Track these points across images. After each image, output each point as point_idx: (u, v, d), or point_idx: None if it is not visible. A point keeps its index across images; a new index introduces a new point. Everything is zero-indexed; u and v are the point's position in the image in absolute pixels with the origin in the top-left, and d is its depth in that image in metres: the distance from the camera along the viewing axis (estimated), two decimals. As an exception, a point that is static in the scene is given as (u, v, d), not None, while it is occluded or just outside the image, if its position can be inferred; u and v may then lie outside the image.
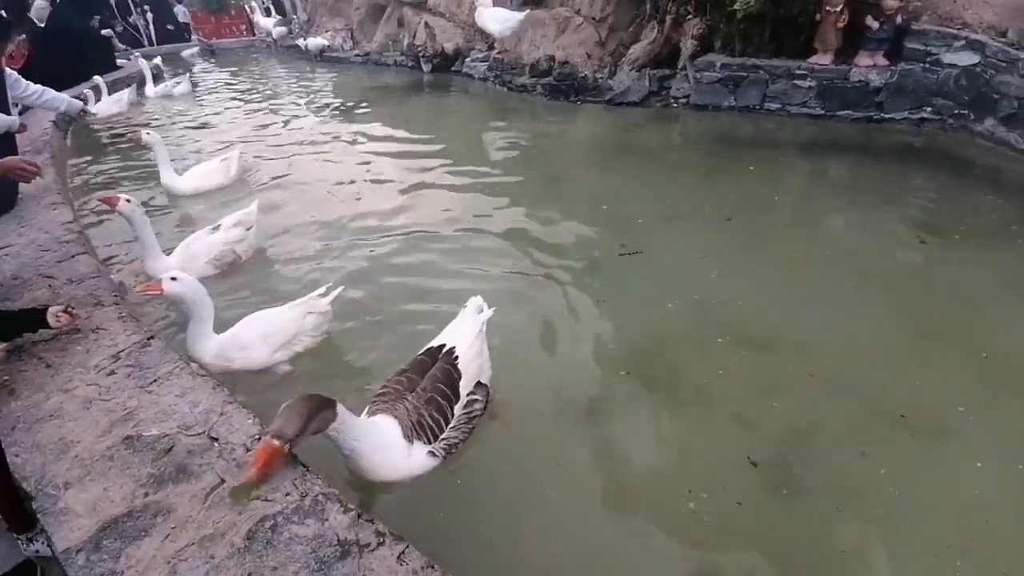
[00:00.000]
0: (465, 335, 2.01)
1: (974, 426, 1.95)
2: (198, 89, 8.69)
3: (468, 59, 8.38)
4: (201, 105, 7.72)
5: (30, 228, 3.14)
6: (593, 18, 6.62)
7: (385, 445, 1.64)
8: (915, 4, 4.87)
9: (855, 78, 4.79)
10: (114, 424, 1.63)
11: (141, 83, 8.31)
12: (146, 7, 12.89)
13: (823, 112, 4.98)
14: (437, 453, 1.74)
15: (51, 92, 4.32)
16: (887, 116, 4.78)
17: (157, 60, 8.71)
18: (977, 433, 1.92)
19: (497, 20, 6.98)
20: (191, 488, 1.38)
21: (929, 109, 4.71)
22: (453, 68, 8.63)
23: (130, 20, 12.63)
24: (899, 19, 4.72)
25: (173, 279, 2.08)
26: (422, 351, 1.99)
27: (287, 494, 1.35)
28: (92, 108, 5.51)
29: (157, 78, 8.43)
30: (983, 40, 4.40)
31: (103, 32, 9.12)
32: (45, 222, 3.22)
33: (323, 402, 1.45)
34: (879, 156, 4.40)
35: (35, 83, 4.25)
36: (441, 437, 1.76)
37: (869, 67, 4.74)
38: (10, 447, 1.56)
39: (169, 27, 13.43)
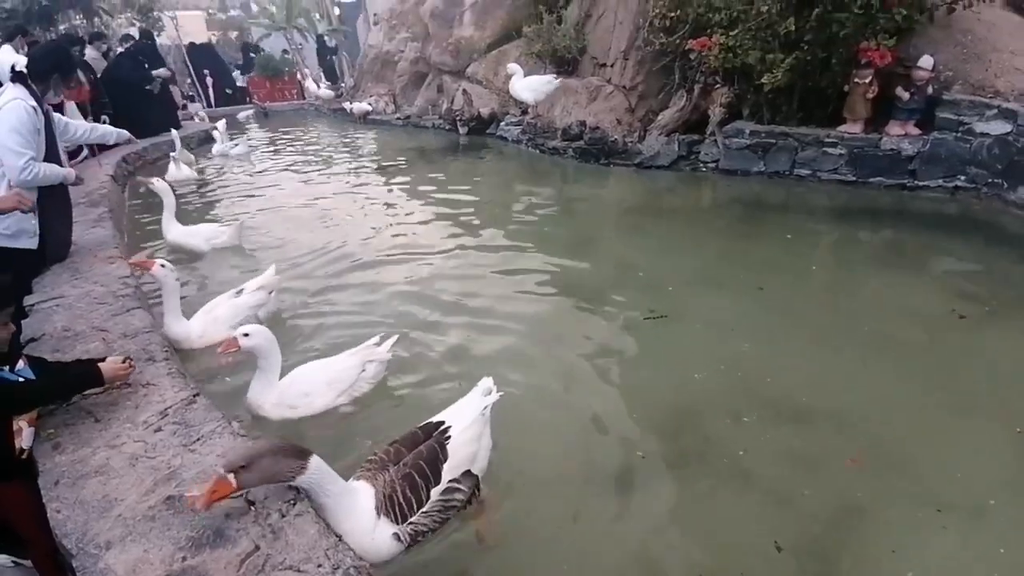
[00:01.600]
0: (465, 415, 1.94)
1: (1008, 516, 1.84)
2: (254, 149, 9.33)
3: (503, 123, 8.77)
4: (253, 164, 8.27)
5: (85, 280, 3.29)
6: (623, 87, 6.91)
7: (355, 511, 1.60)
8: (946, 74, 4.91)
9: (887, 146, 4.81)
10: (158, 483, 1.68)
11: (206, 142, 8.98)
12: (206, 72, 14.11)
13: (855, 179, 4.99)
14: (402, 538, 1.63)
15: (100, 127, 4.31)
16: (920, 184, 4.75)
17: (222, 122, 9.40)
18: (1010, 523, 1.81)
19: (531, 89, 7.36)
20: (227, 554, 1.41)
21: (963, 178, 4.67)
22: (488, 131, 9.04)
23: (188, 83, 13.83)
24: (930, 89, 4.77)
25: (246, 335, 2.24)
26: (420, 424, 1.93)
27: (319, 565, 1.36)
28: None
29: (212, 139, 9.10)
30: (1016, 109, 4.41)
31: (167, 85, 9.89)
32: (101, 275, 3.38)
33: (291, 449, 1.45)
34: (914, 224, 4.36)
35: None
36: (410, 520, 1.66)
37: (901, 136, 4.77)
38: (52, 502, 1.61)
39: (228, 91, 14.54)
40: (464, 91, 9.62)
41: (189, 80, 14.77)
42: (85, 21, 12.70)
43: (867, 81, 4.77)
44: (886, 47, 4.60)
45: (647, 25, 6.26)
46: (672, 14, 5.92)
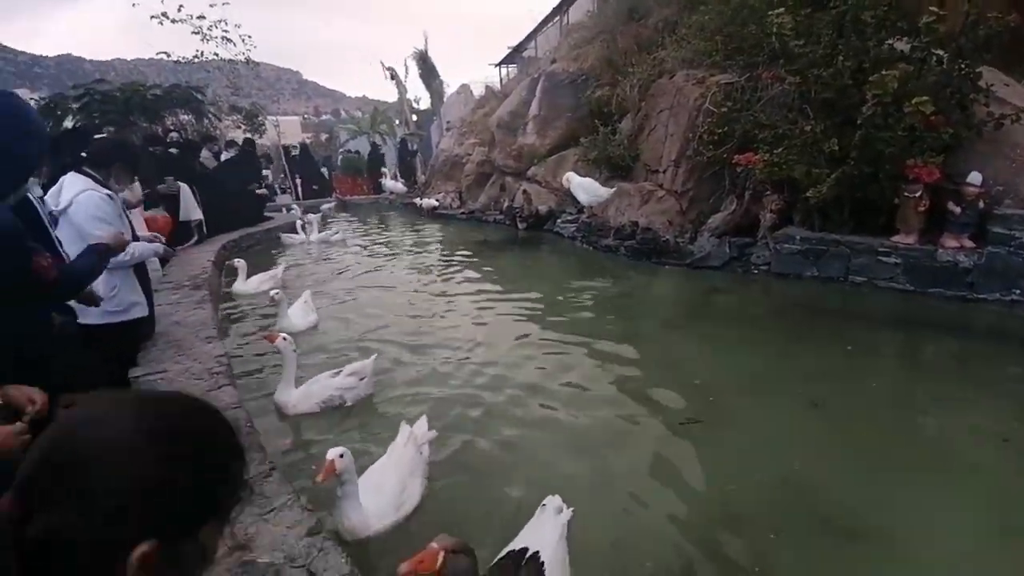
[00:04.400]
0: (548, 539, 1.95)
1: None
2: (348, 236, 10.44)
3: (559, 220, 9.32)
4: (348, 247, 9.31)
5: (186, 357, 3.75)
6: (675, 191, 7.29)
7: None
8: (997, 188, 4.92)
9: (943, 258, 4.80)
10: (234, 549, 1.91)
11: (292, 230, 10.11)
12: (296, 172, 16.05)
13: (913, 288, 4.94)
14: None
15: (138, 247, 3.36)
16: (980, 296, 4.65)
17: (319, 215, 10.65)
18: None
19: (587, 191, 7.90)
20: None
21: (1019, 291, 4.53)
22: (545, 227, 9.60)
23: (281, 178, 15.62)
24: (981, 204, 4.78)
25: (341, 456, 2.21)
26: (502, 554, 1.93)
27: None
28: (239, 284, 6.24)
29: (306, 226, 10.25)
30: None
31: (259, 191, 11.26)
32: (200, 353, 3.85)
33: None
34: (974, 339, 4.22)
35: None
36: None
37: (956, 248, 4.76)
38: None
39: (315, 187, 16.32)
40: (524, 191, 10.37)
41: (283, 175, 16.74)
42: (194, 119, 13.46)
43: (917, 195, 4.86)
44: (933, 164, 4.73)
45: (696, 139, 6.72)
46: (720, 130, 6.36)
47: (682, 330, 4.92)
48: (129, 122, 11.13)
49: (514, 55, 19.38)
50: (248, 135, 14.78)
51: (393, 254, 8.74)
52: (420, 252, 8.88)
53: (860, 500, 2.51)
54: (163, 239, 3.90)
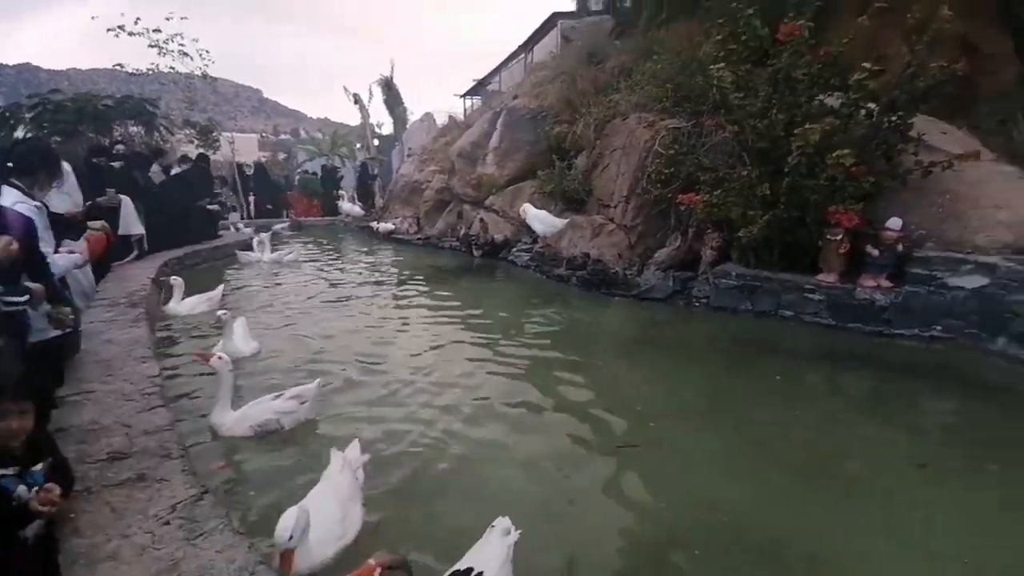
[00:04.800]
0: (493, 560, 2.00)
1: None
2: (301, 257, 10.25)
3: (514, 248, 9.50)
4: (302, 269, 9.11)
5: (116, 377, 3.61)
6: (625, 225, 7.61)
7: None
8: (919, 232, 5.30)
9: (861, 296, 5.19)
10: (160, 573, 1.86)
11: (243, 250, 9.86)
12: (249, 190, 15.79)
13: (835, 323, 5.31)
14: None
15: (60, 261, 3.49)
16: (896, 332, 5.04)
17: (268, 234, 10.42)
18: None
19: (542, 222, 8.15)
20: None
21: (939, 328, 4.90)
22: (500, 255, 9.76)
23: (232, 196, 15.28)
24: (900, 247, 5.21)
25: (291, 537, 2.00)
26: (448, 573, 1.98)
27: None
28: (173, 304, 5.98)
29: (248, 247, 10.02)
30: (995, 262, 4.66)
31: (210, 207, 10.99)
32: (132, 373, 3.71)
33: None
34: (892, 371, 4.54)
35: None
36: None
37: (873, 287, 5.17)
38: (70, 582, 1.80)
39: (269, 206, 16.03)
40: (482, 219, 10.54)
41: (233, 193, 16.36)
42: (144, 132, 13.27)
43: (838, 238, 5.28)
44: (853, 211, 5.16)
45: (645, 177, 7.08)
46: (667, 170, 6.73)
47: (627, 358, 5.10)
48: (78, 132, 10.82)
49: (479, 88, 19.89)
50: (201, 150, 14.45)
51: (347, 277, 8.65)
52: (375, 275, 8.84)
53: (784, 522, 2.66)
54: (85, 253, 3.81)
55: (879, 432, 3.59)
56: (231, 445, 3.26)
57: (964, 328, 4.81)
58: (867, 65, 5.19)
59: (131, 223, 7.78)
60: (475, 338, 5.38)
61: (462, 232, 11.04)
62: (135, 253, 8.01)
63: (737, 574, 2.34)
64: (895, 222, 5.21)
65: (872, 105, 5.39)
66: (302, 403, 3.44)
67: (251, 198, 15.95)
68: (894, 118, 5.30)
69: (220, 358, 3.31)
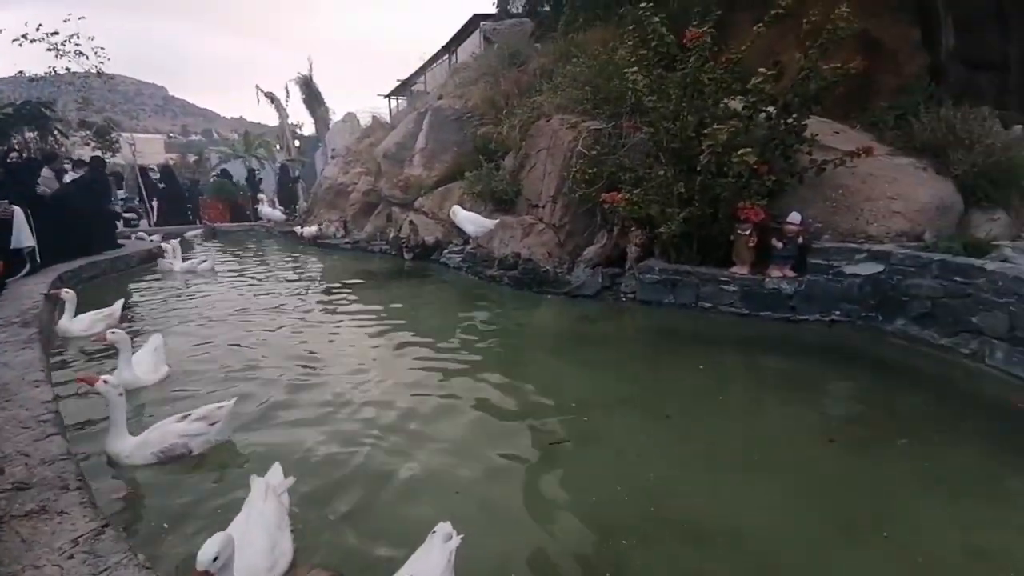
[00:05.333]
0: (434, 566, 1.99)
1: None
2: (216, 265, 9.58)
3: (446, 251, 9.45)
4: (219, 279, 8.52)
5: (12, 404, 3.27)
6: (553, 224, 7.77)
7: None
8: (816, 225, 5.85)
9: (769, 286, 5.60)
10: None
11: (147, 260, 9.13)
12: (153, 195, 14.78)
13: (748, 312, 5.70)
14: None
15: None
16: (801, 317, 5.49)
17: (176, 241, 9.68)
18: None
19: (473, 223, 8.16)
20: None
21: (838, 312, 5.37)
22: (432, 257, 9.67)
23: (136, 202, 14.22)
24: (800, 239, 5.68)
25: (215, 559, 1.78)
26: None
27: None
28: (65, 321, 5.31)
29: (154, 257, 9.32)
30: (888, 250, 5.12)
31: (126, 214, 10.18)
32: (27, 399, 3.37)
33: None
34: (800, 355, 4.93)
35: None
36: None
37: (780, 277, 5.60)
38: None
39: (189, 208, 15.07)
40: (411, 221, 10.40)
41: (137, 199, 15.16)
42: (38, 138, 12.92)
43: (747, 233, 5.67)
44: (759, 206, 5.57)
45: (571, 177, 7.26)
46: (590, 170, 6.94)
47: (559, 355, 5.21)
48: None
49: (403, 88, 19.57)
50: (97, 153, 13.28)
51: (270, 286, 8.23)
52: (301, 283, 8.46)
53: (709, 503, 2.81)
54: None
55: (791, 410, 3.88)
56: (136, 473, 3.00)
57: (861, 312, 5.28)
58: (763, 70, 5.60)
59: (22, 235, 7.01)
60: (407, 342, 5.30)
61: (392, 235, 10.83)
62: (27, 268, 7.22)
63: (669, 557, 2.45)
64: (795, 216, 5.66)
65: (771, 108, 5.83)
66: (211, 424, 3.16)
67: (155, 203, 14.81)
68: (789, 120, 5.76)
69: (105, 381, 3.00)
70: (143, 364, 4.19)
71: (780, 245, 5.63)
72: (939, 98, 6.30)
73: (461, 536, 2.17)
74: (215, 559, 1.78)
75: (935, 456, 3.23)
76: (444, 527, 2.18)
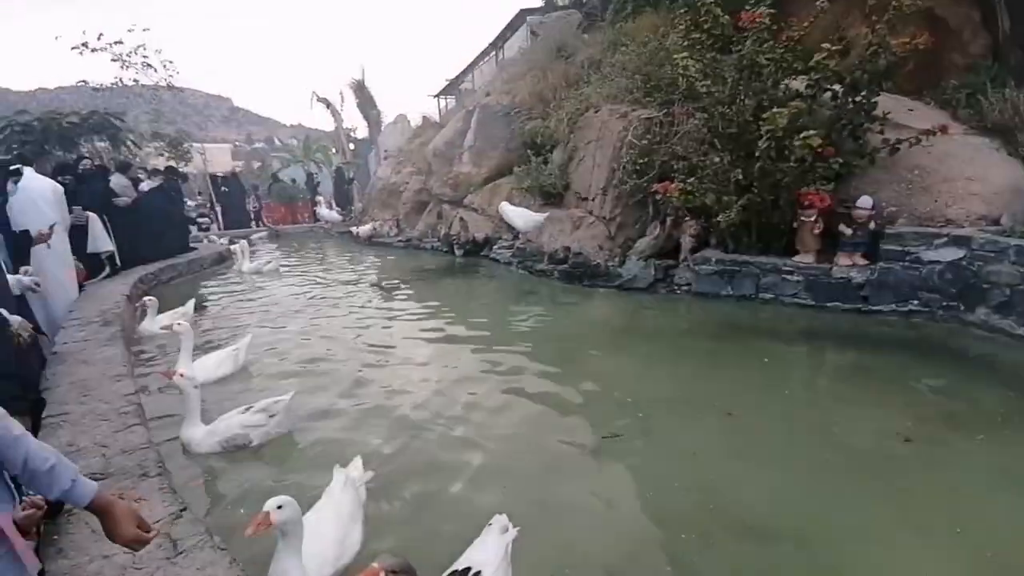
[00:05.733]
0: (491, 558, 2.00)
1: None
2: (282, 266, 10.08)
3: (496, 246, 9.48)
4: (283, 278, 8.95)
5: (91, 398, 3.52)
6: (604, 217, 7.63)
7: None
8: (890, 209, 5.42)
9: (837, 275, 5.27)
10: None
11: (219, 262, 9.68)
12: (219, 201, 15.69)
13: (813, 303, 5.39)
14: None
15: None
16: (874, 308, 5.12)
17: (244, 242, 10.24)
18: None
19: (522, 217, 8.15)
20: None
21: (916, 302, 4.98)
22: (482, 253, 9.73)
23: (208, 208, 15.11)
24: (872, 225, 5.30)
25: (279, 507, 1.94)
26: (447, 573, 1.98)
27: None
28: (147, 323, 5.69)
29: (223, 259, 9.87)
30: (968, 234, 4.73)
31: (200, 219, 10.84)
32: (108, 392, 3.62)
33: None
34: (873, 348, 4.62)
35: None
36: None
37: (849, 266, 5.25)
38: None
39: (239, 218, 15.91)
40: (461, 218, 10.50)
41: (208, 205, 16.12)
42: (111, 147, 13.33)
43: (812, 219, 5.35)
44: (824, 191, 5.24)
45: (621, 168, 7.10)
46: (641, 160, 6.76)
47: (614, 350, 5.10)
48: (44, 152, 10.69)
49: (451, 87, 19.78)
50: (171, 163, 14.20)
51: (330, 284, 8.55)
52: (358, 281, 8.74)
53: (773, 502, 2.68)
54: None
55: (863, 409, 3.62)
56: (213, 461, 3.19)
57: (941, 301, 4.88)
58: (827, 45, 5.26)
59: (99, 240, 7.59)
60: (462, 338, 5.36)
61: (443, 232, 10.98)
62: (107, 271, 7.82)
63: (730, 555, 2.36)
64: (866, 200, 5.29)
65: (837, 87, 5.47)
66: (271, 416, 3.28)
67: (218, 208, 15.75)
68: (858, 98, 5.38)
69: (182, 375, 3.22)
70: (208, 366, 4.35)
71: (849, 231, 5.28)
72: (1002, 79, 5.77)
73: (518, 528, 2.17)
74: (280, 507, 1.92)
75: (1013, 453, 2.98)
76: (500, 519, 2.19)
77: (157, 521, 2.20)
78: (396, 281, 8.40)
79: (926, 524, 2.48)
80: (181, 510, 2.26)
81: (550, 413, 3.72)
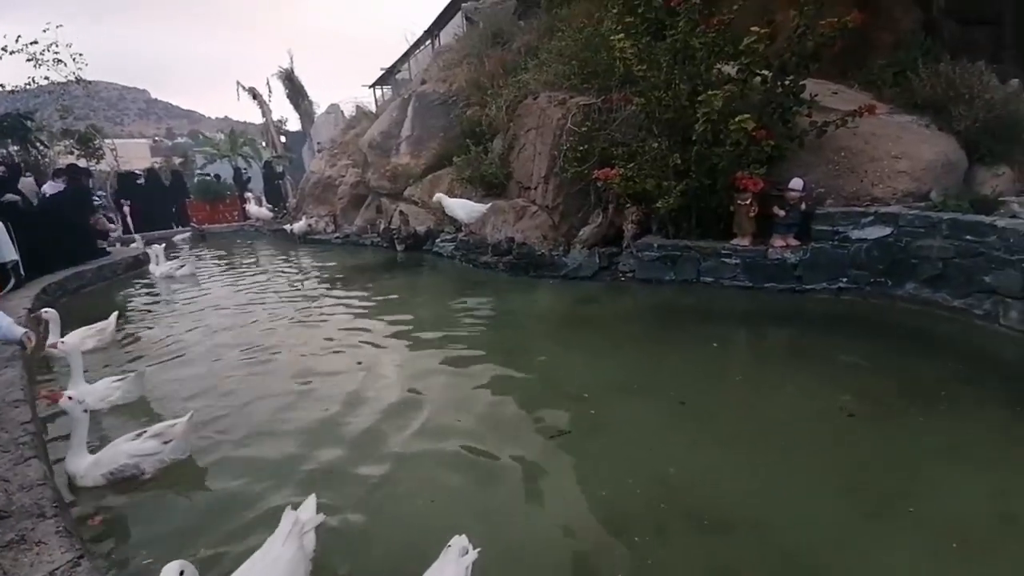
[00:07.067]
0: None
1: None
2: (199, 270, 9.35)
3: (438, 240, 9.25)
4: (199, 284, 8.31)
5: (-9, 426, 3.14)
6: (546, 206, 7.56)
7: None
8: (819, 190, 5.63)
9: (773, 256, 5.43)
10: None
11: (134, 267, 8.92)
12: (124, 201, 14.63)
13: (751, 285, 5.53)
14: None
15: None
16: (808, 287, 5.31)
17: (162, 246, 9.45)
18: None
19: (463, 208, 7.95)
20: None
21: (845, 280, 5.17)
22: (424, 247, 9.47)
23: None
24: (803, 206, 5.47)
25: (182, 573, 1.73)
26: None
27: None
28: (56, 340, 4.52)
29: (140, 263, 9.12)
30: (895, 212, 4.90)
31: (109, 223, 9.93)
32: (5, 420, 3.23)
33: None
34: (809, 325, 4.78)
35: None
36: None
37: (783, 247, 5.42)
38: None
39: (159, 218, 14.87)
40: (401, 211, 10.18)
41: (114, 207, 14.97)
42: (20, 149, 12.77)
43: (748, 203, 5.47)
44: (758, 175, 5.36)
45: (561, 156, 7.03)
46: (581, 148, 6.72)
47: (562, 341, 5.03)
48: None
49: (387, 76, 19.17)
50: (78, 161, 13.04)
51: (260, 286, 8.03)
52: (291, 282, 8.27)
53: (727, 491, 2.65)
54: None
55: (806, 386, 3.70)
56: (111, 496, 2.81)
57: (869, 278, 5.08)
58: (756, 29, 5.34)
59: (4, 249, 6.81)
60: (405, 337, 5.13)
61: (382, 227, 10.60)
62: (12, 282, 7.03)
63: (687, 550, 2.31)
64: (796, 182, 5.45)
65: (766, 72, 5.59)
66: (166, 443, 2.89)
67: (126, 209, 14.62)
68: (786, 81, 5.52)
69: (70, 398, 2.85)
70: (98, 389, 3.80)
71: (782, 213, 5.44)
72: (936, 54, 6.07)
73: (478, 550, 2.02)
74: (182, 572, 1.72)
75: (956, 424, 3.10)
76: (460, 540, 2.04)
77: (56, 569, 1.94)
78: (332, 280, 8.01)
79: (877, 501, 2.50)
80: (79, 557, 1.98)
81: (497, 412, 3.58)
